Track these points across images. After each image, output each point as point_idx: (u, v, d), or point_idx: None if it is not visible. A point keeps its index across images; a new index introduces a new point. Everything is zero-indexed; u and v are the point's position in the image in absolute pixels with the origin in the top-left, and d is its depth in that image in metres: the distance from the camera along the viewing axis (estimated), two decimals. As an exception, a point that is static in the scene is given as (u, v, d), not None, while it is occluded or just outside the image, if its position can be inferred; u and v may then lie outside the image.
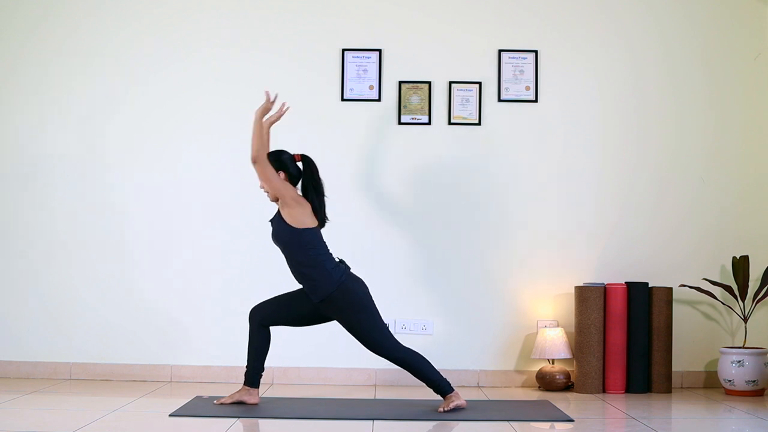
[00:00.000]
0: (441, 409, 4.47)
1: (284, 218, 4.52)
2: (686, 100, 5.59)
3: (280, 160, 4.60)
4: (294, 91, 5.55)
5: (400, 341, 4.59)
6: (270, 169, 4.51)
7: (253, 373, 4.63)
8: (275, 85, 5.53)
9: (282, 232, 4.54)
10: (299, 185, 4.63)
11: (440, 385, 4.52)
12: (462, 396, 4.58)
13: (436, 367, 4.56)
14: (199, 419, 4.26)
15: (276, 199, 4.57)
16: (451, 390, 4.53)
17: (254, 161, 4.50)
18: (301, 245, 4.50)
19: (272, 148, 5.50)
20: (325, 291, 4.48)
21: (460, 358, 5.37)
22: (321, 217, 4.58)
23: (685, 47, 5.60)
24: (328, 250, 4.58)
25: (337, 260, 4.58)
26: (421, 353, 4.59)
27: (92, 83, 5.57)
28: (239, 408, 4.50)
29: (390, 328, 5.41)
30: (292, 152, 4.68)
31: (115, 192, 5.54)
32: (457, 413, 4.43)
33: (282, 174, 4.57)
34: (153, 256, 5.51)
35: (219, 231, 5.52)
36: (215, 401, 4.63)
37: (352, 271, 4.61)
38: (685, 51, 5.60)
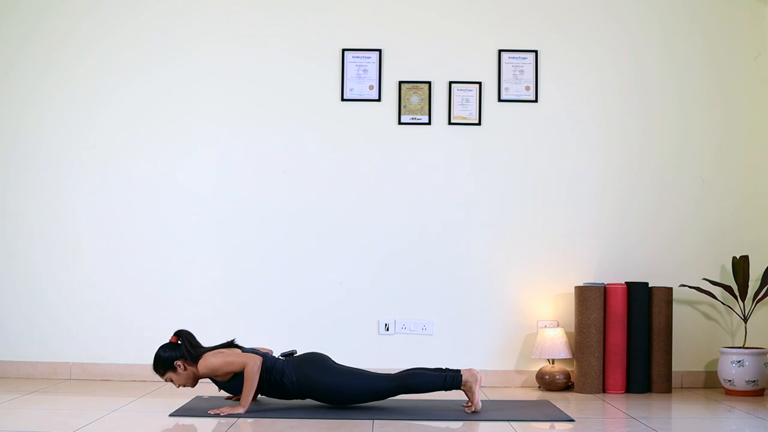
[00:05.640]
0: (468, 410, 4.45)
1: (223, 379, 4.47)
2: (687, 100, 5.59)
3: (167, 361, 4.46)
4: (294, 90, 5.56)
5: (377, 373, 4.53)
6: (223, 367, 4.40)
7: None
8: (275, 84, 5.57)
9: (234, 386, 4.48)
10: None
11: (447, 382, 4.46)
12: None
13: (429, 367, 4.53)
14: (199, 419, 4.26)
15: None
16: (460, 377, 4.45)
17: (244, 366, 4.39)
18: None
19: (269, 150, 5.54)
20: (293, 390, 4.46)
21: (460, 358, 5.36)
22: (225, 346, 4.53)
23: (686, 48, 5.60)
24: (268, 359, 4.48)
25: (281, 360, 4.51)
26: (407, 369, 4.55)
27: (92, 81, 5.57)
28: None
29: (387, 329, 5.43)
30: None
31: (114, 191, 5.54)
32: (457, 412, 4.43)
33: (179, 363, 4.45)
34: (153, 256, 5.51)
35: (218, 230, 5.52)
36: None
37: (298, 353, 4.59)
38: (686, 51, 5.60)
